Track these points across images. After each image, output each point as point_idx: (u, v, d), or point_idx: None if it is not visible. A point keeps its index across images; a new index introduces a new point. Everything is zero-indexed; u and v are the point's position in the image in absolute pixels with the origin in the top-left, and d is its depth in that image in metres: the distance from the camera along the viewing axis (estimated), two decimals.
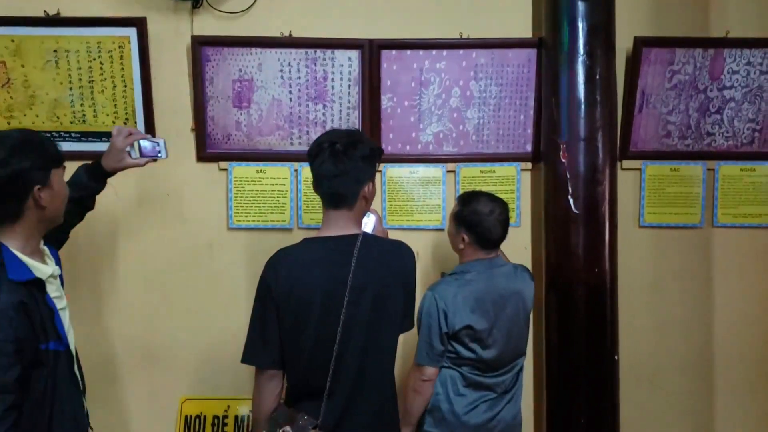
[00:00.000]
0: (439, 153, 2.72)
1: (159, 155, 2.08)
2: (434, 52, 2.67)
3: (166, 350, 2.69)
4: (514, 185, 2.75)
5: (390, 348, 1.78)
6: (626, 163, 2.75)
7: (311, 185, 1.78)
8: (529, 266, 2.70)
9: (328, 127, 2.69)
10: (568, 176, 2.49)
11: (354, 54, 2.65)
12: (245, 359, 1.72)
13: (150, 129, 2.59)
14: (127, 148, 1.99)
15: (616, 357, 2.51)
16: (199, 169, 2.67)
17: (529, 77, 2.70)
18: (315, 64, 2.66)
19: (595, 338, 2.47)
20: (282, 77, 2.66)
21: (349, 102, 2.67)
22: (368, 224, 1.98)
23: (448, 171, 2.73)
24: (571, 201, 2.48)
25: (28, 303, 1.50)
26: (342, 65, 2.66)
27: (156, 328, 2.69)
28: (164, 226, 2.67)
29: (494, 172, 2.75)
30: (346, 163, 1.68)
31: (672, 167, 2.77)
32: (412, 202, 2.73)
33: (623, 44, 2.64)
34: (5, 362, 1.42)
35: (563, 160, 2.50)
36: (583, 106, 2.48)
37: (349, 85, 2.68)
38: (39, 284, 1.57)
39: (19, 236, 1.56)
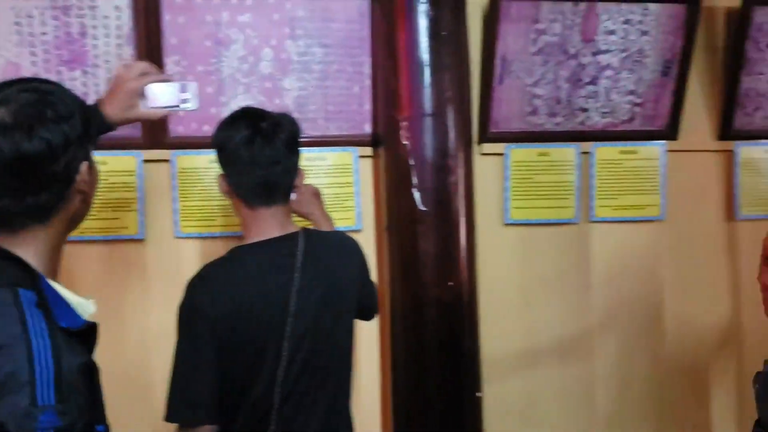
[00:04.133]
0: None
1: (184, 105, 1.49)
2: (235, 0, 2.00)
3: None
4: (351, 177, 2.13)
5: (349, 364, 1.58)
6: (486, 147, 2.20)
7: None
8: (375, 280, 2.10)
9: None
10: (412, 163, 1.90)
11: (123, 2, 1.94)
12: (172, 416, 1.36)
13: None
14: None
15: (478, 394, 1.95)
16: None
17: (361, 37, 2.09)
18: (67, 15, 1.93)
19: (451, 374, 1.91)
20: (19, 33, 1.91)
21: None
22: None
23: None
24: (417, 195, 1.90)
25: (91, 364, 0.98)
26: (107, 17, 1.95)
27: None
28: None
29: (325, 159, 2.12)
30: (277, 147, 1.44)
31: (540, 151, 2.25)
32: (213, 202, 2.05)
33: None
34: None
35: (405, 143, 1.91)
36: (427, 72, 1.90)
37: (119, 45, 1.96)
38: (90, 332, 1.02)
39: (44, 247, 1.02)
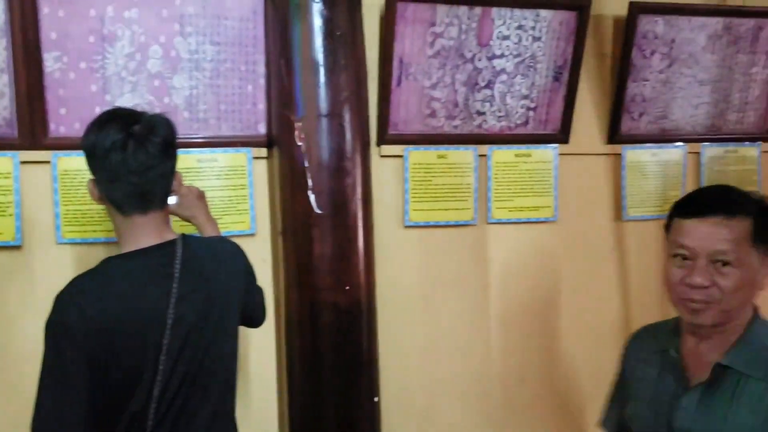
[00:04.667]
0: None
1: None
2: None
3: None
4: (245, 179, 2.06)
5: (233, 373, 1.53)
6: (385, 149, 2.20)
7: None
8: (269, 287, 2.04)
9: None
10: (307, 164, 1.86)
11: None
12: None
13: None
14: None
15: (376, 399, 1.94)
16: None
17: (255, 35, 2.03)
18: None
19: (348, 379, 1.88)
20: None
21: None
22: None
23: None
24: (312, 197, 1.86)
25: None
26: None
27: None
28: None
29: (217, 161, 2.05)
30: (152, 152, 1.35)
31: (439, 153, 2.26)
32: (98, 206, 1.93)
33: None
34: None
35: (299, 144, 1.87)
36: (322, 71, 1.87)
37: None
38: None
39: None
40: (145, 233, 1.40)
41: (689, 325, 1.31)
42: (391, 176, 2.22)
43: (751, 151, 2.57)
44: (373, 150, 2.15)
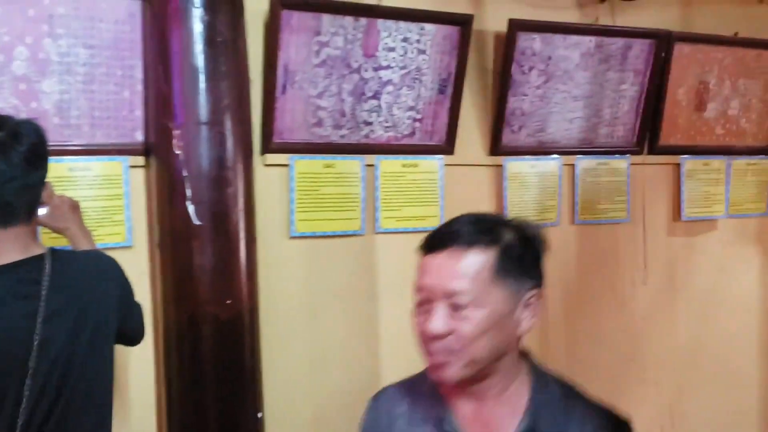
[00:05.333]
0: None
1: None
2: None
3: None
4: (121, 188, 1.97)
5: (108, 393, 1.45)
6: (269, 158, 2.16)
7: None
8: (147, 301, 1.95)
9: None
10: (186, 174, 1.80)
11: None
12: None
13: None
14: None
15: (260, 414, 1.89)
16: None
17: (132, 39, 1.95)
18: None
19: (230, 395, 1.82)
20: None
21: None
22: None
23: None
24: (191, 208, 1.80)
25: None
26: None
27: None
28: None
29: (90, 170, 1.94)
30: (15, 162, 1.27)
31: (326, 163, 2.26)
32: None
33: (259, 6, 2.05)
34: None
35: (177, 152, 1.80)
36: (202, 78, 1.82)
37: None
38: None
39: None
40: (7, 249, 1.32)
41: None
42: (277, 186, 2.19)
43: (621, 163, 2.73)
44: (258, 159, 2.12)
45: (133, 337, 1.60)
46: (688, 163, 2.85)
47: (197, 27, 1.81)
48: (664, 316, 2.88)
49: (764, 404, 3.14)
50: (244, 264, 1.87)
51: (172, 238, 1.83)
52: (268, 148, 2.15)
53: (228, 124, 1.85)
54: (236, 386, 1.83)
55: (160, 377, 1.94)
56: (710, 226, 2.96)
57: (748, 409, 3.10)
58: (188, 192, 1.79)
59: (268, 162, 2.16)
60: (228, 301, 1.81)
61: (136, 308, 1.60)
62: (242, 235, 1.88)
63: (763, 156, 3.00)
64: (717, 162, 2.91)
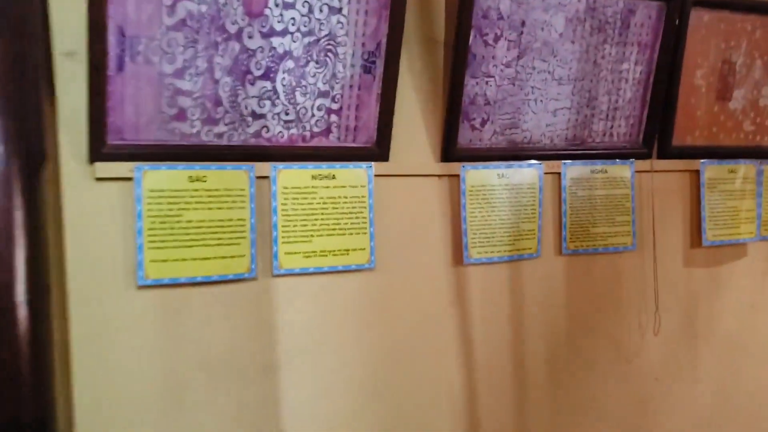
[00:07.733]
0: None
1: None
2: None
3: None
4: None
5: None
6: (101, 168, 1.43)
7: None
8: None
9: None
10: None
11: None
12: None
13: None
14: None
15: None
16: None
17: None
18: None
19: None
20: None
21: None
22: None
23: None
24: None
25: None
26: None
27: None
28: None
29: None
30: None
31: (193, 174, 1.52)
32: None
33: None
34: None
35: None
36: None
37: None
38: None
39: None
40: None
41: None
42: (114, 210, 1.45)
43: (623, 170, 2.02)
44: (82, 170, 1.39)
45: None
46: (710, 169, 2.16)
47: None
48: (682, 374, 2.20)
49: None
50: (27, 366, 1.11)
51: None
52: (98, 153, 1.42)
53: None
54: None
55: None
56: (739, 253, 2.28)
57: None
58: None
59: (100, 174, 1.43)
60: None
61: None
62: (21, 299, 1.13)
63: None
64: (746, 168, 2.23)
